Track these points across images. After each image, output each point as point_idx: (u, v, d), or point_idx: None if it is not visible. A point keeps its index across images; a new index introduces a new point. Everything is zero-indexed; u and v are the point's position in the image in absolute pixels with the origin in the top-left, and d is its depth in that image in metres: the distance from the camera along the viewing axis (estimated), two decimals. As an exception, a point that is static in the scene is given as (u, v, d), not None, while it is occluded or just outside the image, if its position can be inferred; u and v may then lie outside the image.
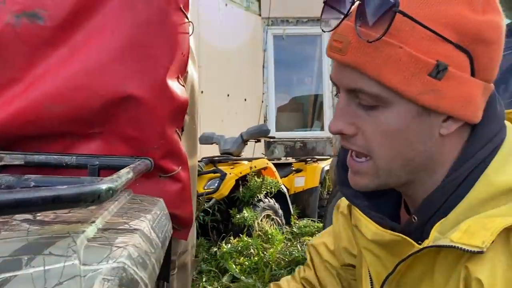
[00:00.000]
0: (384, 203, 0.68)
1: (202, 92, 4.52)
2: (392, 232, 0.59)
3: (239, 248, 2.86)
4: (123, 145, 0.99)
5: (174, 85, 0.99)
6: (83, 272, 0.45)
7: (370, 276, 0.69)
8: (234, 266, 2.61)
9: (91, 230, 0.54)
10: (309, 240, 3.23)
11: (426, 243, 0.55)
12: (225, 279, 2.46)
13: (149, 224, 0.66)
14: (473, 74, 0.54)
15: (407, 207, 0.66)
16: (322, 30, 0.59)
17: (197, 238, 2.91)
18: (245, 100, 5.40)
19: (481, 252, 0.48)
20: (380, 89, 0.54)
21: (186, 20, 1.00)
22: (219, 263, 2.65)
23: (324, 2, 0.58)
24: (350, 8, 0.56)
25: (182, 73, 1.05)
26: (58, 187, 0.48)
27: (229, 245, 2.90)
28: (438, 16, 0.52)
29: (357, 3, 0.55)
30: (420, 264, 0.57)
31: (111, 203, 0.71)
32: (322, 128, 6.05)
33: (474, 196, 0.55)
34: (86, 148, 0.98)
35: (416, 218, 0.59)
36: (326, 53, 0.59)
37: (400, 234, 0.58)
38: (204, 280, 2.40)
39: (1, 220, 0.54)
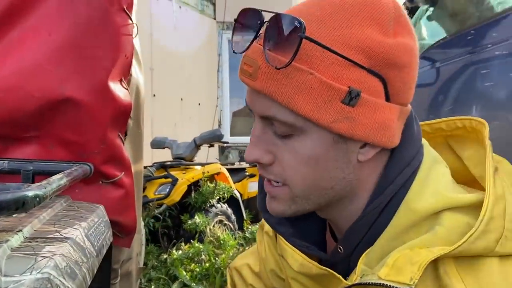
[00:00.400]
0: (310, 228, 0.66)
1: (154, 95, 4.44)
2: (319, 265, 0.58)
3: (190, 255, 2.82)
4: (61, 149, 0.95)
5: (116, 87, 0.96)
6: (4, 284, 0.43)
7: None
8: (184, 273, 2.57)
9: (16, 240, 0.51)
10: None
11: (353, 277, 0.53)
12: (175, 286, 2.42)
13: (82, 232, 0.64)
14: (388, 98, 0.52)
15: (333, 231, 0.65)
16: (234, 51, 0.54)
17: (147, 245, 2.84)
18: (199, 104, 5.35)
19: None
20: (293, 118, 0.51)
21: (130, 22, 0.98)
22: (169, 270, 2.60)
23: (234, 20, 0.55)
24: (260, 29, 0.52)
25: (126, 75, 1.03)
26: (-23, 194, 0.45)
27: (180, 252, 2.85)
28: (348, 40, 0.49)
29: (266, 24, 0.51)
30: None
31: (43, 210, 0.68)
32: (276, 133, 6.11)
33: (396, 224, 0.54)
34: (21, 153, 0.93)
35: (341, 248, 0.58)
36: (238, 76, 0.55)
37: (327, 269, 0.57)
38: (153, 288, 2.35)
39: None
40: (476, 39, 1.43)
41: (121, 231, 1.06)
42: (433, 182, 0.55)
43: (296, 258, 0.61)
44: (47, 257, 0.48)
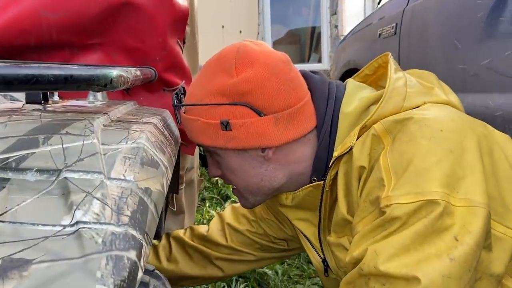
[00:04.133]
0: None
1: (196, 23, 4.36)
2: (302, 187, 0.77)
3: (240, 177, 2.91)
4: (124, 57, 0.96)
5: (174, -10, 0.94)
6: (103, 151, 0.44)
7: (308, 240, 0.85)
8: (235, 193, 2.67)
9: (105, 119, 0.53)
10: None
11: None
12: (227, 204, 2.53)
13: (161, 122, 0.65)
14: (260, 114, 0.70)
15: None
16: None
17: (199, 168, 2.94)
18: (240, 32, 5.23)
19: (351, 149, 0.66)
20: (207, 147, 0.75)
21: None
22: (220, 191, 2.70)
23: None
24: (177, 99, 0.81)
25: (182, -21, 0.99)
26: (70, 67, 0.46)
27: (230, 174, 2.95)
28: (209, 91, 0.71)
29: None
30: (331, 197, 0.74)
31: (118, 106, 0.70)
32: (319, 61, 5.91)
33: (341, 129, 0.72)
34: (86, 61, 0.95)
35: (315, 179, 0.75)
36: None
37: (308, 185, 0.75)
38: (207, 205, 2.46)
39: (10, 108, 0.53)
40: None
41: (185, 139, 1.09)
42: (358, 94, 0.74)
43: (287, 196, 0.80)
44: (138, 131, 0.50)
